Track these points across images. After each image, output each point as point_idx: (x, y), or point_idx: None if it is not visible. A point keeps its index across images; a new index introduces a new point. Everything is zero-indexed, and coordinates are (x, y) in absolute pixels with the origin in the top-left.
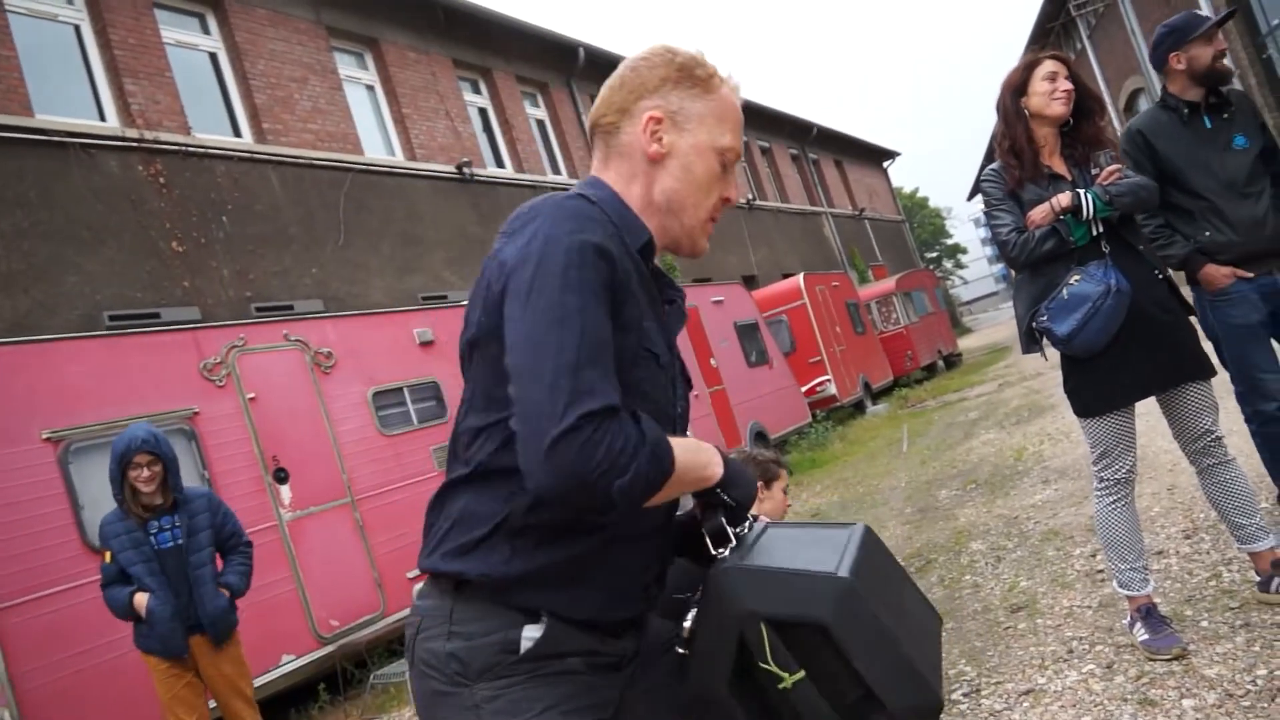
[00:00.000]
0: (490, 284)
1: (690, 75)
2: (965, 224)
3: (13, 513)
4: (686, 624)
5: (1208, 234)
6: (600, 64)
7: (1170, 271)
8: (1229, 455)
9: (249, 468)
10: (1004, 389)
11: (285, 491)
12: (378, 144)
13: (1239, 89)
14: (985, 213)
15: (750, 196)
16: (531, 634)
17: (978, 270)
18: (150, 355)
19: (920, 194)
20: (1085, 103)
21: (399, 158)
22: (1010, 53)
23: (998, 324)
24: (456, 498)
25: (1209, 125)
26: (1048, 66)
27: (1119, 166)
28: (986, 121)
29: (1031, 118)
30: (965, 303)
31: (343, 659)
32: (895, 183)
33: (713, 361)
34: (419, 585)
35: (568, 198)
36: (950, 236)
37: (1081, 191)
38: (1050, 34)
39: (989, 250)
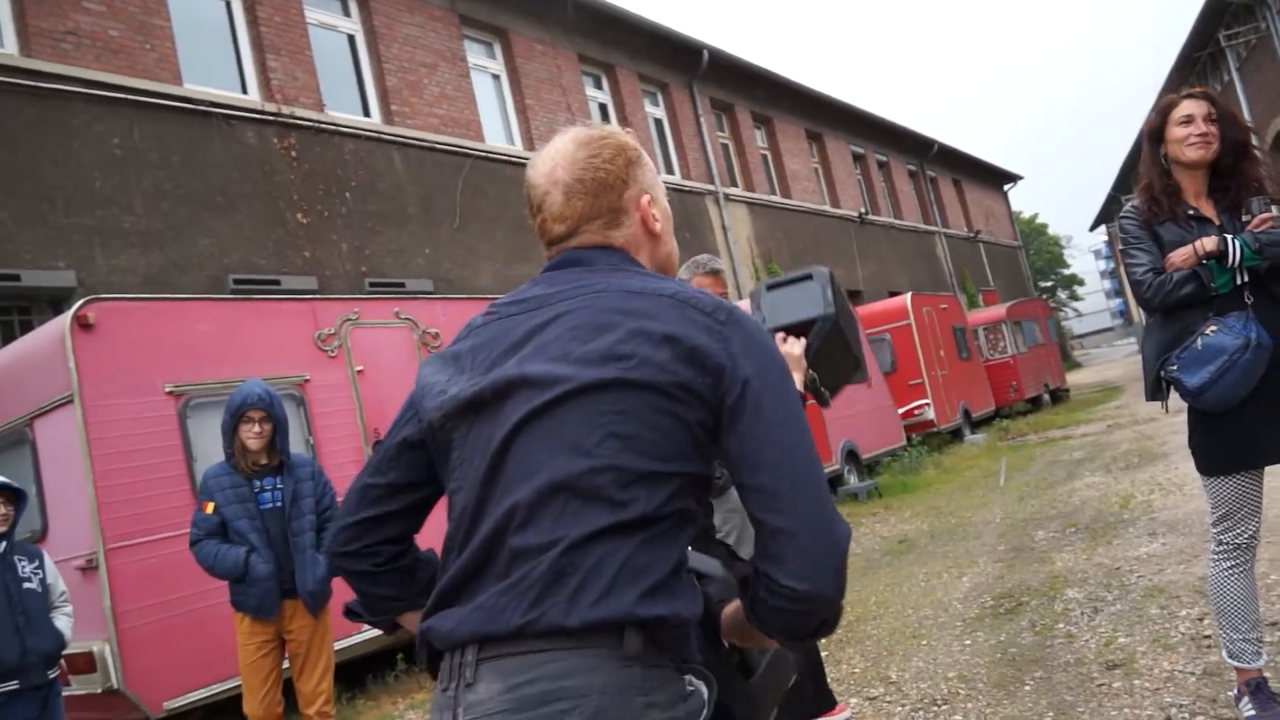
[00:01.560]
0: (692, 340)
1: (635, 154)
2: (1085, 254)
3: (133, 459)
4: None
5: None
6: (723, 66)
7: None
8: None
9: (351, 437)
10: (1113, 431)
11: None
12: (499, 132)
13: None
14: (1122, 249)
15: (863, 210)
16: (705, 691)
17: (1094, 303)
18: (269, 320)
19: (1040, 220)
20: (1236, 143)
21: (518, 147)
22: (1154, 82)
23: (1112, 360)
24: (607, 543)
25: None
26: (1185, 108)
27: (1274, 214)
28: (1118, 151)
29: (1172, 163)
30: (1078, 336)
31: None
32: (1015, 207)
33: None
34: (496, 664)
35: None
36: (1068, 266)
37: (1229, 237)
38: (1196, 64)
39: (1108, 284)
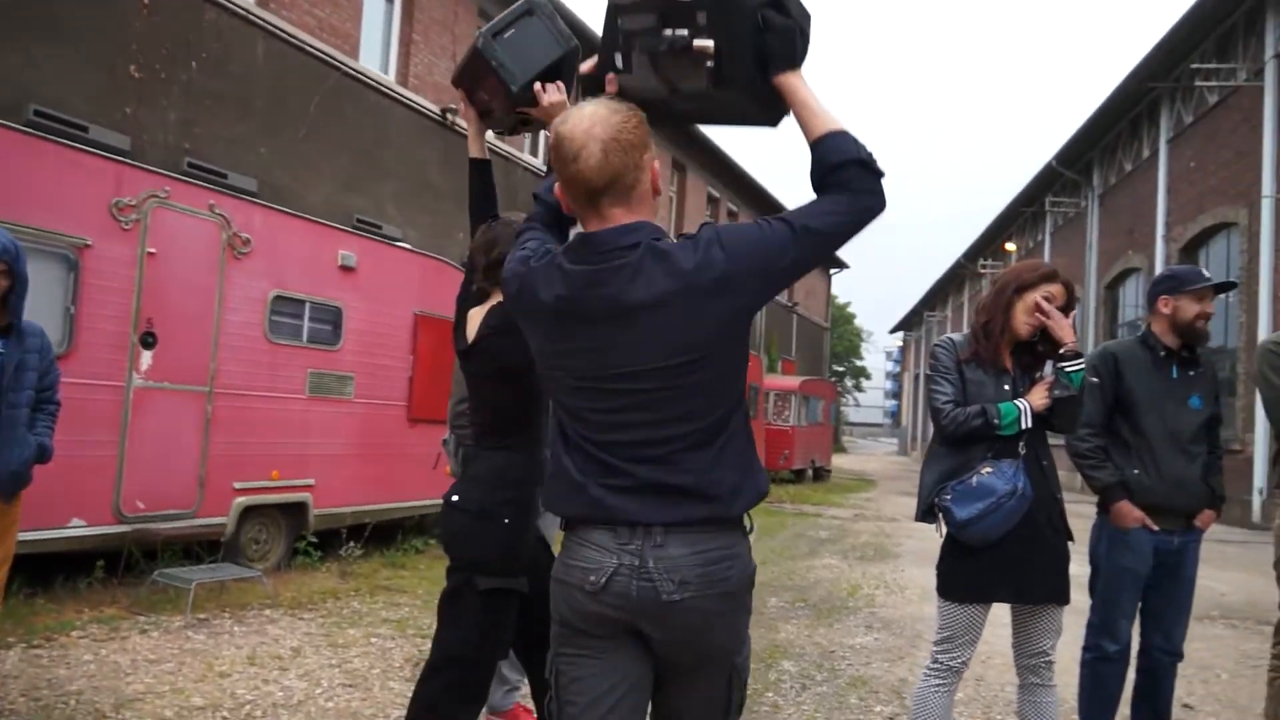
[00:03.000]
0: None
1: (647, 127)
2: (878, 352)
3: None
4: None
5: (1136, 472)
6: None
7: (1063, 496)
8: (1053, 680)
9: (119, 319)
10: (859, 520)
11: (146, 358)
12: (375, 56)
13: (1210, 354)
14: (929, 374)
15: None
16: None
17: (873, 399)
18: (64, 169)
19: (851, 309)
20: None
21: (390, 77)
22: (983, 222)
23: (873, 455)
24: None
25: (1175, 376)
26: (1053, 289)
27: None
28: (932, 273)
29: (1013, 316)
30: (851, 423)
31: (134, 543)
32: (834, 290)
33: None
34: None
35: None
36: (862, 359)
37: (1069, 370)
38: (1019, 218)
39: (889, 384)
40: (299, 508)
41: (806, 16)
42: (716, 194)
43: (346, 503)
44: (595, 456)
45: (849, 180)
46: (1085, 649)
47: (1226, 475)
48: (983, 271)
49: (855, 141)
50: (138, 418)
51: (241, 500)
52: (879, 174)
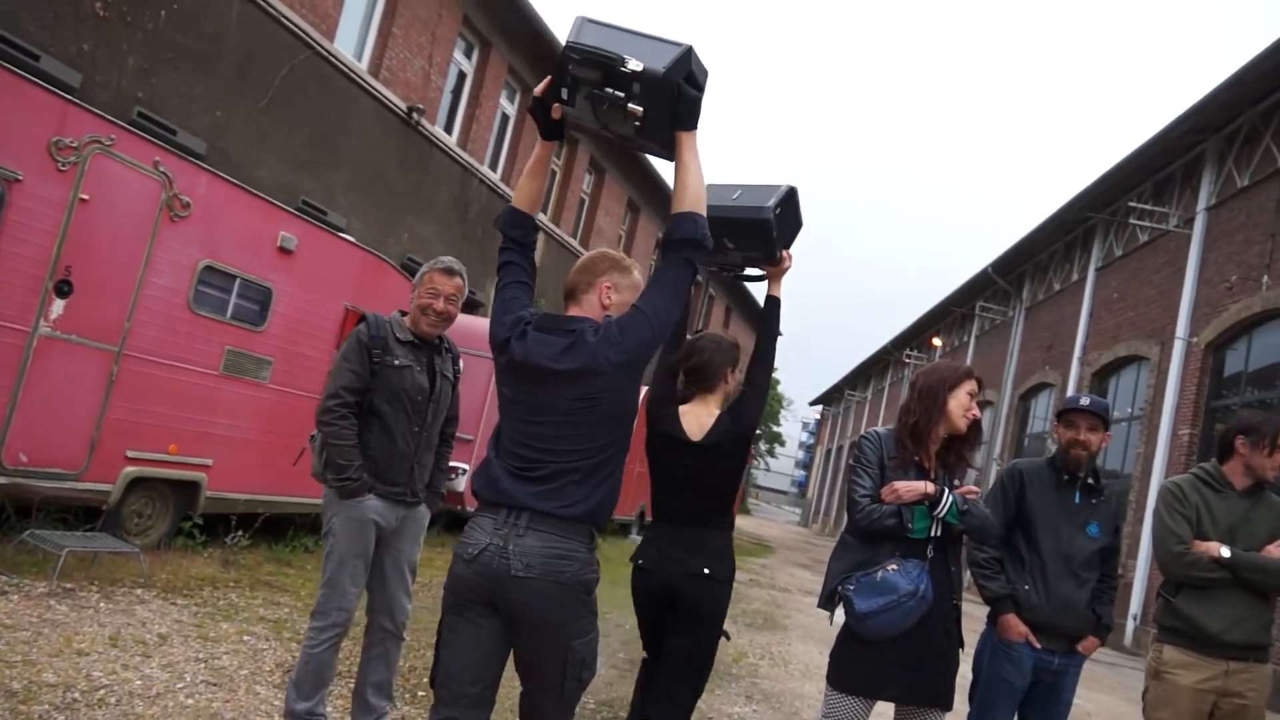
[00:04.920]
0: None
1: (621, 265)
2: (796, 421)
3: None
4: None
5: (1026, 588)
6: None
7: (962, 603)
8: None
9: (36, 263)
10: (753, 586)
11: (58, 306)
12: (351, 43)
13: (1116, 487)
14: (852, 465)
15: None
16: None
17: (784, 465)
18: (7, 96)
19: (776, 374)
20: (976, 429)
21: (363, 65)
22: (913, 314)
23: (774, 521)
24: None
25: (1077, 501)
26: (974, 386)
27: (976, 490)
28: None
29: (949, 414)
30: (758, 485)
31: (8, 496)
32: None
33: None
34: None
35: None
36: (780, 425)
37: (945, 489)
38: (948, 316)
39: (801, 454)
40: (191, 487)
41: (705, 73)
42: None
43: (242, 489)
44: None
45: (684, 253)
46: None
47: None
48: (907, 360)
49: (697, 223)
50: (38, 366)
51: (131, 470)
52: (707, 249)
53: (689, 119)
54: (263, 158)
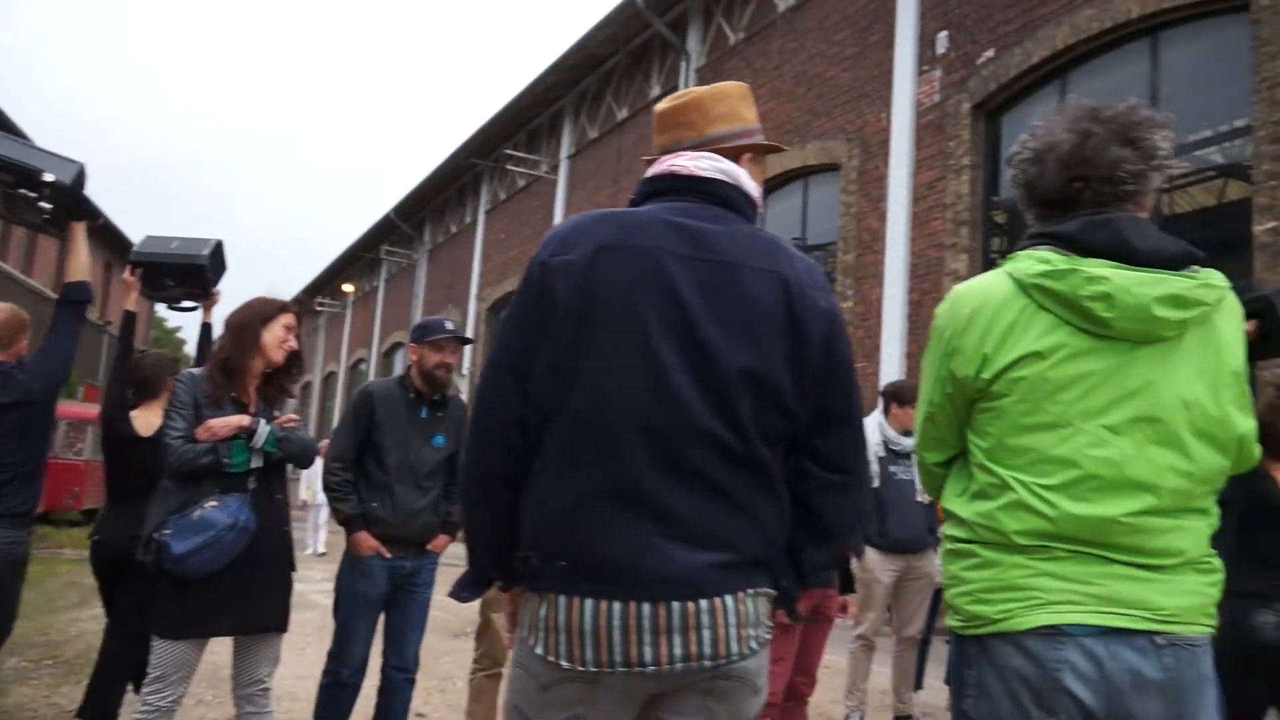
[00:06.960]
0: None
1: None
2: None
3: None
4: None
5: (375, 505)
6: None
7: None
8: (269, 708)
9: None
10: None
11: None
12: None
13: (460, 398)
14: (166, 410)
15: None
16: None
17: None
18: None
19: (181, 334)
20: (295, 360)
21: None
22: (323, 262)
23: None
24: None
25: (424, 416)
26: (291, 320)
27: (296, 418)
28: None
29: (264, 349)
30: None
31: None
32: (161, 314)
33: None
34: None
35: None
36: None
37: (261, 419)
38: (357, 262)
39: None
40: None
41: (85, 178)
42: None
43: None
44: None
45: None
46: (323, 674)
47: None
48: (320, 309)
49: (84, 287)
50: None
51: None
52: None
53: (88, 215)
54: None
